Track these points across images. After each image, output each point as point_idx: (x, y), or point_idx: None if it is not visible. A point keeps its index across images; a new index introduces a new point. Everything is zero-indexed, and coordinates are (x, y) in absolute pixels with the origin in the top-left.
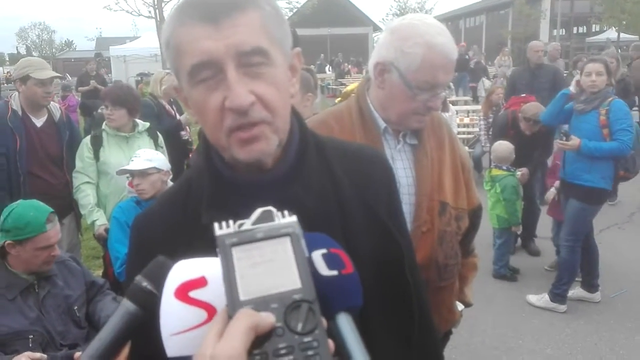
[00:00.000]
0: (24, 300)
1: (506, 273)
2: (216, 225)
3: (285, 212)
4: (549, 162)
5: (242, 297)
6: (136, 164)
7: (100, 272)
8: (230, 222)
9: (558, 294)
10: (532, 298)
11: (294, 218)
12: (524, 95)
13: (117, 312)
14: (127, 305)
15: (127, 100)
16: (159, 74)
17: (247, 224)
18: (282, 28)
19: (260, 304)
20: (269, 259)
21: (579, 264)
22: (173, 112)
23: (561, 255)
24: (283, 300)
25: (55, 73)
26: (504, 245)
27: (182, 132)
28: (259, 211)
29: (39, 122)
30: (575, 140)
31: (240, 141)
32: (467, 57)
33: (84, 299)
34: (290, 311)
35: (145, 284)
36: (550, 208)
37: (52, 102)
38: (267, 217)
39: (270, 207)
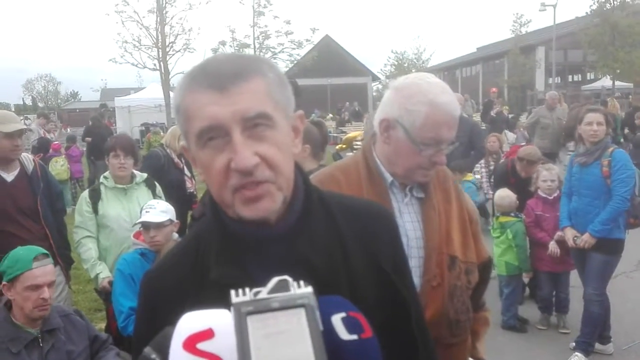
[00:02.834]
0: (28, 355)
1: (515, 324)
2: (232, 292)
3: (301, 282)
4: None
5: None
6: (154, 216)
7: (102, 325)
8: (247, 290)
9: (590, 344)
10: None
11: (309, 289)
12: (523, 143)
13: None
14: None
15: (134, 151)
16: (176, 129)
17: (263, 292)
18: (285, 93)
19: None
20: (283, 329)
21: None
22: (181, 165)
23: (592, 311)
24: None
25: (23, 126)
26: (513, 294)
27: (188, 185)
28: (275, 280)
29: (9, 176)
30: (587, 238)
31: (246, 200)
32: (494, 105)
33: (87, 354)
34: None
35: (154, 356)
36: (538, 260)
37: (25, 154)
38: (283, 286)
39: (286, 277)
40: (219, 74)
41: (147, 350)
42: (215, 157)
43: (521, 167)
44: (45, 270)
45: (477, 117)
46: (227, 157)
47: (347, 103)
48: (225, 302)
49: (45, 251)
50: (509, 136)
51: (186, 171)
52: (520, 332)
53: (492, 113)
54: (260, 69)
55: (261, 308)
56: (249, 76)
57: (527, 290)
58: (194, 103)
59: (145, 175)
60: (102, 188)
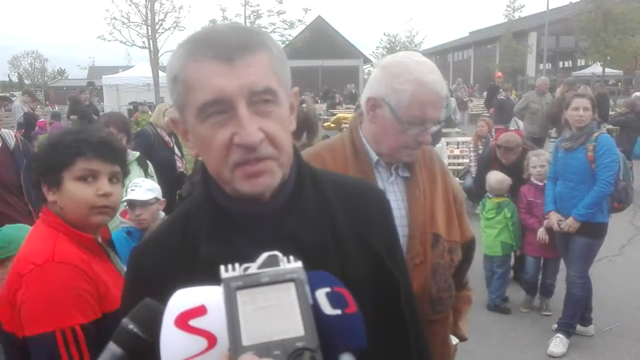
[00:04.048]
0: None
1: (500, 305)
2: (222, 267)
3: (291, 257)
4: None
5: (245, 342)
6: (139, 194)
7: None
8: (237, 265)
9: (572, 325)
10: (555, 349)
11: (299, 264)
12: (513, 129)
13: (103, 355)
14: (112, 349)
15: (127, 129)
16: (162, 105)
17: (253, 267)
18: (285, 69)
19: (262, 350)
20: (273, 304)
21: None
22: (171, 144)
23: (574, 293)
24: (286, 347)
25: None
26: (505, 275)
27: (178, 165)
28: (264, 255)
29: None
30: (571, 222)
31: (246, 175)
32: (500, 89)
33: None
34: (292, 359)
35: (131, 326)
36: (528, 245)
37: (6, 130)
38: (272, 261)
39: (276, 252)
40: (225, 45)
41: (125, 321)
42: (217, 131)
43: (500, 154)
44: None
45: (471, 102)
46: (230, 131)
47: (348, 85)
48: (214, 279)
49: None
50: (520, 125)
51: (176, 150)
52: (504, 314)
53: (502, 97)
54: (265, 42)
55: (250, 283)
56: (255, 49)
57: (512, 273)
58: (197, 73)
59: (137, 153)
60: None
